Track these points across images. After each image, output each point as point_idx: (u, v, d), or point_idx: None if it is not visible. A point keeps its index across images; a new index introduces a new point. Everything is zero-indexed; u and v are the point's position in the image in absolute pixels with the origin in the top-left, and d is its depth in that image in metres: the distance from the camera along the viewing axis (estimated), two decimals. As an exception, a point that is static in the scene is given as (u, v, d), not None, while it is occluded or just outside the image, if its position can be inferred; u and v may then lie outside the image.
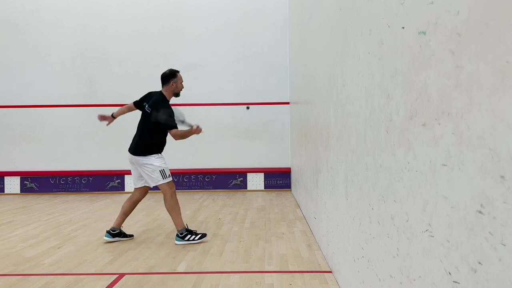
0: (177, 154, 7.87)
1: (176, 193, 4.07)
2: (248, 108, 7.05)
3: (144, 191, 4.14)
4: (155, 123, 3.90)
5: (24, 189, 7.86)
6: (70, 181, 7.87)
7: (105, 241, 4.00)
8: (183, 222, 4.00)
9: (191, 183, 7.83)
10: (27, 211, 5.90)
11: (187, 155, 7.89)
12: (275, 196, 7.16)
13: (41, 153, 7.96)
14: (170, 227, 4.64)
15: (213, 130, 7.93)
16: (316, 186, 3.80)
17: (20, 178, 7.88)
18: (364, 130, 1.95)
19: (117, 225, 4.06)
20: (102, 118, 4.28)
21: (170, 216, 4.05)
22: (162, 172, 3.95)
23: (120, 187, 7.87)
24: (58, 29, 8.01)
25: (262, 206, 6.11)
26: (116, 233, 4.04)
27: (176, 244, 3.88)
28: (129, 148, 4.08)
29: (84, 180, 7.87)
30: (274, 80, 7.99)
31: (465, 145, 0.98)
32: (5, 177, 7.88)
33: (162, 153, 4.06)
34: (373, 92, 1.78)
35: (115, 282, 2.90)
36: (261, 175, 7.87)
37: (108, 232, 4.03)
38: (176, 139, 4.02)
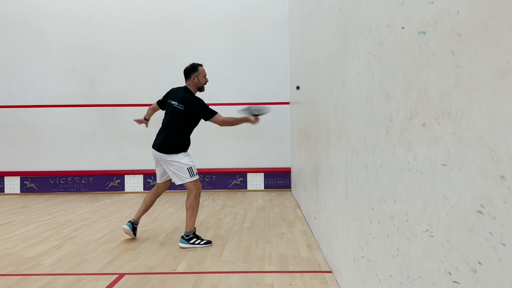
0: (177, 154, 7.89)
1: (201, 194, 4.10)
2: (298, 88, 6.35)
3: (168, 184, 4.17)
4: (189, 121, 3.92)
5: (24, 189, 7.86)
6: (70, 181, 7.88)
7: (124, 230, 4.06)
8: (194, 225, 3.91)
9: (191, 183, 7.82)
10: (27, 211, 5.90)
11: (187, 155, 7.88)
12: (275, 196, 7.16)
13: (41, 153, 7.96)
14: (170, 227, 4.64)
15: (213, 130, 7.94)
16: (316, 186, 3.80)
17: (20, 178, 7.88)
18: (364, 130, 1.95)
19: (138, 218, 4.13)
20: (139, 122, 4.50)
21: (184, 217, 4.02)
22: (190, 170, 3.87)
23: (120, 187, 7.87)
24: (58, 29, 8.01)
25: (262, 206, 6.11)
26: (135, 228, 4.10)
27: (180, 247, 3.79)
28: (153, 145, 3.99)
29: (84, 180, 7.87)
30: (274, 80, 7.98)
31: (465, 145, 0.98)
32: (5, 177, 7.88)
33: (188, 151, 4.00)
34: (373, 92, 1.78)
35: (115, 282, 2.90)
36: (261, 175, 7.87)
37: (131, 223, 4.07)
38: (222, 125, 4.05)
